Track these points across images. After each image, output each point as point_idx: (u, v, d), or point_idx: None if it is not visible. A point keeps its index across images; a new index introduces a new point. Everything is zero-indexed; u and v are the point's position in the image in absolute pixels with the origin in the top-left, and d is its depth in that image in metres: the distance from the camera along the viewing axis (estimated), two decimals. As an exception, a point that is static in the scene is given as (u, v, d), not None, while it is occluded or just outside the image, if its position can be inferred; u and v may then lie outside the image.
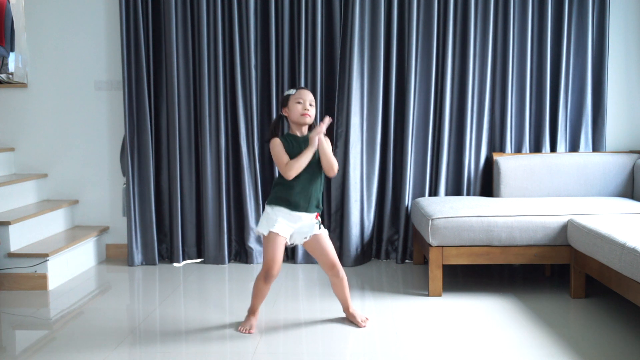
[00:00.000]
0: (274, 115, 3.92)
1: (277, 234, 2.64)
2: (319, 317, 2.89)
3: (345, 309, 2.85)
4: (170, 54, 3.87)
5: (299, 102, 2.66)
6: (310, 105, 2.67)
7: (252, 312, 2.78)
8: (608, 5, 3.86)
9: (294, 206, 2.65)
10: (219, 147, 3.92)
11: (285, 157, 2.64)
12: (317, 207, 2.71)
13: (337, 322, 2.84)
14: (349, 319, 2.85)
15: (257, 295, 2.74)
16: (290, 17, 3.89)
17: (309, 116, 2.67)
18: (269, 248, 2.65)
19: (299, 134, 2.71)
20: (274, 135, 2.71)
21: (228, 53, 3.91)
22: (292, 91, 2.71)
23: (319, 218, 2.74)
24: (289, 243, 2.73)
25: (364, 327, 2.77)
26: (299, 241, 2.74)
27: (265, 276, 2.66)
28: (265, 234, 2.66)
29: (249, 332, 2.70)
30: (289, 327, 2.79)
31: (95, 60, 4.08)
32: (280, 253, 2.65)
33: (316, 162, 2.67)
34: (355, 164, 3.88)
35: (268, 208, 2.69)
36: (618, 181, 3.77)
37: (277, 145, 2.66)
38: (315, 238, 2.71)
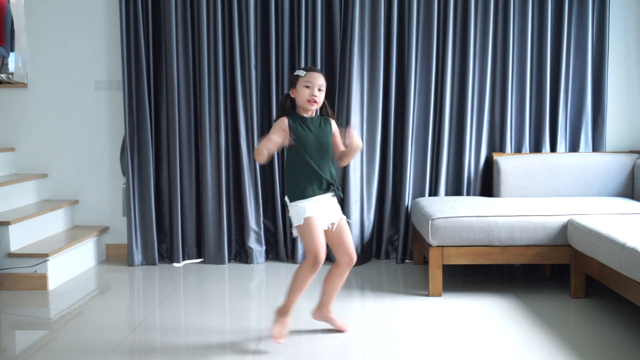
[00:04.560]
0: (274, 116, 3.92)
1: (311, 217, 2.47)
2: (319, 317, 2.89)
3: (326, 306, 2.71)
4: (170, 54, 3.87)
5: (307, 86, 2.51)
6: (320, 90, 2.52)
7: (285, 311, 2.58)
8: (608, 5, 3.86)
9: (310, 194, 2.51)
10: (219, 147, 3.92)
11: (267, 141, 2.51)
12: (333, 187, 2.56)
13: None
14: (321, 319, 2.72)
15: (298, 288, 2.52)
16: (290, 17, 3.89)
17: (316, 103, 2.53)
18: (307, 233, 2.46)
19: (306, 115, 2.58)
20: (282, 114, 2.60)
21: (228, 53, 3.91)
22: (302, 72, 2.55)
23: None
24: (327, 225, 2.55)
25: (347, 330, 2.68)
26: (326, 226, 2.56)
27: (314, 262, 2.44)
28: (302, 223, 2.48)
29: (280, 340, 2.54)
30: (289, 327, 2.78)
31: (95, 60, 4.08)
32: (322, 234, 2.49)
33: (324, 146, 2.55)
34: (355, 164, 3.88)
35: (290, 205, 2.55)
36: (618, 181, 3.77)
37: (276, 126, 2.54)
38: (341, 222, 2.57)
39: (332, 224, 2.57)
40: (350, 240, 2.63)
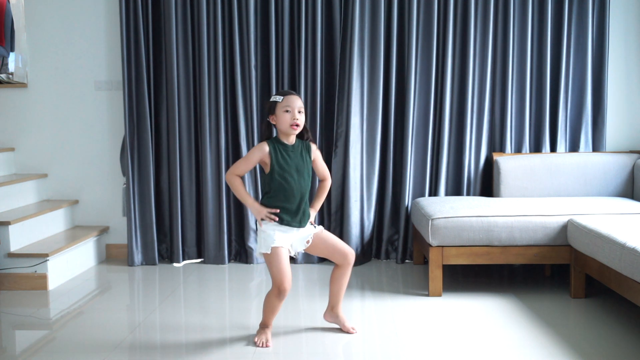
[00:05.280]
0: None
1: (279, 247, 2.50)
2: (319, 317, 2.89)
3: (335, 307, 2.72)
4: (170, 54, 3.87)
5: (287, 111, 2.50)
6: (299, 112, 2.52)
7: (265, 325, 2.64)
8: (608, 5, 3.86)
9: (286, 223, 2.54)
10: (219, 147, 3.92)
11: (245, 166, 2.58)
12: (306, 222, 2.61)
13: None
14: (332, 321, 2.75)
15: (271, 312, 2.59)
16: (290, 17, 3.89)
17: (298, 127, 2.52)
18: (274, 263, 2.49)
19: (287, 142, 2.57)
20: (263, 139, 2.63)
21: (228, 53, 3.91)
22: (279, 98, 2.53)
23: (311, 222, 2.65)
24: (292, 253, 2.60)
25: (354, 332, 2.69)
26: (300, 248, 2.60)
27: (278, 293, 2.49)
28: (269, 252, 2.50)
29: (266, 346, 2.55)
30: (289, 327, 2.78)
31: (95, 60, 4.08)
32: (287, 265, 2.50)
33: (305, 180, 2.57)
34: (355, 164, 3.88)
35: (263, 225, 2.55)
36: (618, 181, 3.77)
37: (255, 151, 2.55)
38: (317, 237, 2.61)
39: (307, 242, 2.60)
40: (339, 242, 2.66)
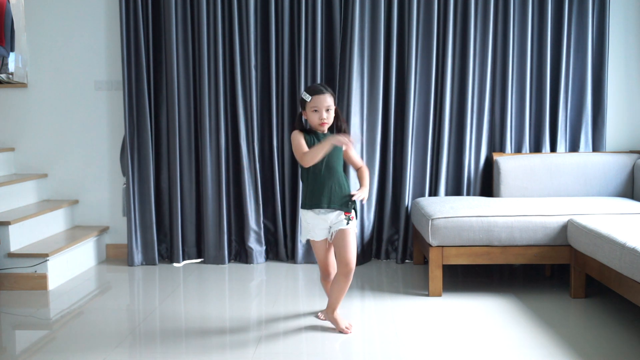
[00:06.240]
0: (274, 116, 3.93)
1: (313, 240, 2.71)
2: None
3: (331, 311, 2.75)
4: (170, 54, 3.87)
5: (314, 111, 2.61)
6: (327, 111, 2.61)
7: (332, 309, 2.73)
8: (608, 5, 3.86)
9: (315, 205, 2.63)
10: (219, 147, 3.92)
11: (304, 146, 2.60)
12: (344, 205, 2.63)
13: (337, 322, 2.84)
14: (325, 319, 2.82)
15: (331, 293, 2.73)
16: (290, 17, 3.89)
17: (327, 124, 2.63)
18: (315, 252, 2.78)
19: (318, 131, 2.68)
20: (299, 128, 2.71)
21: (228, 53, 3.91)
22: (308, 97, 2.61)
23: (351, 214, 2.66)
24: (330, 238, 2.68)
25: (349, 332, 2.71)
26: (328, 236, 2.70)
27: (322, 276, 2.87)
28: (303, 242, 2.80)
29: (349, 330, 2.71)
30: (289, 327, 2.79)
31: (95, 60, 4.08)
32: (324, 255, 2.75)
33: (334, 158, 2.63)
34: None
35: (302, 213, 2.72)
36: (618, 181, 3.77)
37: (298, 136, 2.63)
38: (340, 232, 2.63)
39: (332, 234, 2.67)
40: (348, 250, 2.64)
